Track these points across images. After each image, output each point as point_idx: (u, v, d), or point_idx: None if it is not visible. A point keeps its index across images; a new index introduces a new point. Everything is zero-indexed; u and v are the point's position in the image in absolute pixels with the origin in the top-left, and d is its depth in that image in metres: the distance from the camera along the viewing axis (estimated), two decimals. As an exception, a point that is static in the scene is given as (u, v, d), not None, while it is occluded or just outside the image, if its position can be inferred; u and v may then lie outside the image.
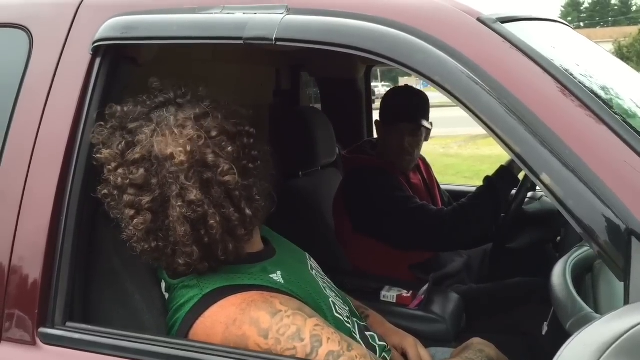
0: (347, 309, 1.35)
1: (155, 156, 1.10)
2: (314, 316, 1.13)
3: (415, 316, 1.88)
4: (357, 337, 1.26)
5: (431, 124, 2.25)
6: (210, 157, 1.10)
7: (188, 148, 1.09)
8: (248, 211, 1.13)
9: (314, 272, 1.34)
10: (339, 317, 1.24)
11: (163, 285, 1.26)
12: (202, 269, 1.15)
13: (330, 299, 1.27)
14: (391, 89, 2.44)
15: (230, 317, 1.10)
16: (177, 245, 1.11)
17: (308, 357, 1.07)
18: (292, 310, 1.11)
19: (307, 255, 1.41)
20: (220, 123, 1.13)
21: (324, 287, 1.30)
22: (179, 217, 1.09)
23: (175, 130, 1.10)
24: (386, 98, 2.31)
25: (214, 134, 1.12)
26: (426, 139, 2.29)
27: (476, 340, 1.41)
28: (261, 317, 1.09)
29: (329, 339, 1.09)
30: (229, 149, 1.12)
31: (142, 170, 1.09)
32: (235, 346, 1.09)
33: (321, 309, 1.22)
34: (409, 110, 2.19)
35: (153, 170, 1.10)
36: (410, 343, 1.44)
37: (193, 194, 1.08)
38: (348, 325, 1.25)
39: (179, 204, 1.08)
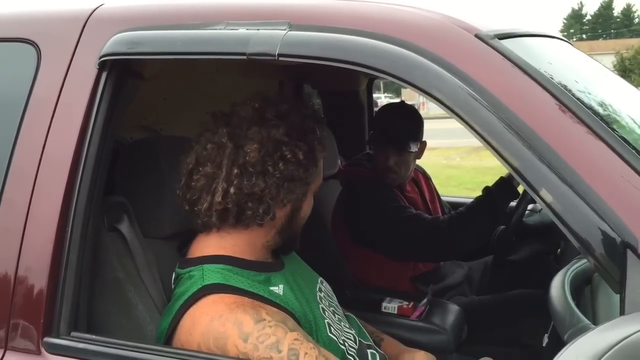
0: (353, 331, 1.39)
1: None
2: (295, 330, 1.16)
3: (416, 327, 1.89)
4: (354, 354, 1.30)
5: (424, 142, 2.25)
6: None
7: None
8: (232, 189, 1.22)
9: (322, 294, 1.39)
10: (333, 338, 1.28)
11: (173, 277, 1.31)
12: (185, 210, 1.29)
13: (326, 320, 1.30)
14: (381, 108, 2.43)
15: (218, 312, 1.15)
16: (180, 173, 1.29)
17: None
18: (275, 321, 1.14)
19: (320, 279, 1.46)
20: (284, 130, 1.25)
21: (323, 309, 1.34)
22: (193, 150, 1.28)
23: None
24: (375, 118, 2.31)
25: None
26: (419, 157, 2.29)
27: None
28: (245, 320, 1.13)
29: (306, 353, 1.12)
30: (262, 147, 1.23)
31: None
32: (214, 341, 1.12)
33: (313, 327, 1.26)
34: (394, 135, 2.18)
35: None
36: (422, 358, 1.46)
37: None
38: (342, 347, 1.28)
39: (203, 139, 1.27)
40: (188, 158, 1.27)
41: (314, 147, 1.29)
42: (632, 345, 0.68)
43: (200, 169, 1.24)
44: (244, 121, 1.25)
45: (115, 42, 1.22)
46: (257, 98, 1.29)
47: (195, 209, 1.26)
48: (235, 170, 1.22)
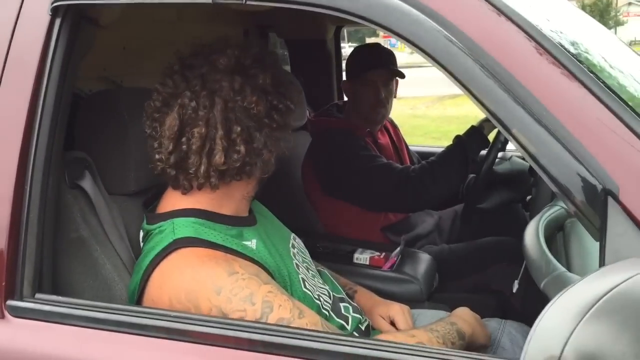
0: (328, 287, 1.38)
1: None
2: (269, 283, 1.14)
3: (389, 277, 1.89)
4: (329, 309, 1.29)
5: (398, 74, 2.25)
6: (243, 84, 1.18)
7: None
8: (239, 147, 1.16)
9: (295, 250, 1.37)
10: (307, 293, 1.26)
11: (141, 234, 1.27)
12: (170, 175, 1.21)
13: (300, 275, 1.29)
14: (357, 47, 2.43)
15: (189, 265, 1.13)
16: (162, 138, 1.18)
17: (258, 322, 1.08)
18: (248, 274, 1.12)
19: (293, 235, 1.44)
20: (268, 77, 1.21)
21: (297, 265, 1.32)
22: (174, 112, 1.16)
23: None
24: (352, 54, 2.31)
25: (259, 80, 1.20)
26: (395, 94, 2.30)
27: (457, 312, 1.43)
28: (218, 273, 1.11)
29: (280, 305, 1.10)
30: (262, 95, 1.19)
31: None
32: (185, 295, 1.10)
33: (288, 282, 1.24)
34: (378, 58, 2.21)
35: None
36: (396, 310, 1.47)
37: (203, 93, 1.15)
38: (317, 301, 1.27)
39: (185, 99, 1.16)
40: (167, 123, 1.17)
41: (291, 90, 1.27)
42: (619, 295, 0.67)
43: (195, 130, 1.15)
44: (224, 73, 1.18)
45: (68, -15, 1.13)
46: (223, 43, 1.22)
47: (190, 172, 1.18)
48: (238, 128, 1.16)
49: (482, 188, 2.27)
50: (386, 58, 2.23)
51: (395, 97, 2.30)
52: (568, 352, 0.70)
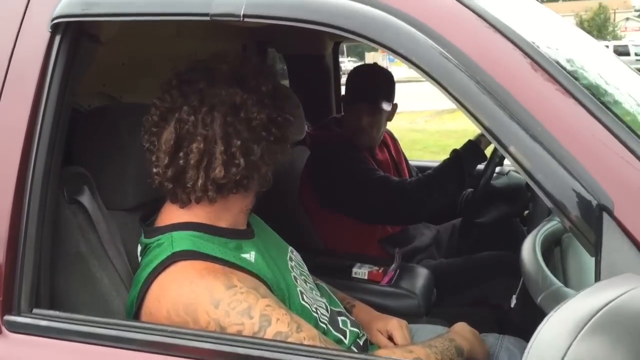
0: (325, 300, 1.38)
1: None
2: (267, 296, 1.14)
3: (387, 292, 1.89)
4: (326, 322, 1.29)
5: (396, 104, 2.25)
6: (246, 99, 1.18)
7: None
8: (238, 161, 1.17)
9: (292, 263, 1.37)
10: (305, 305, 1.27)
11: (139, 249, 1.27)
12: (168, 189, 1.21)
13: (299, 288, 1.29)
14: (355, 68, 2.43)
15: (188, 278, 1.12)
16: (159, 152, 1.19)
17: (256, 336, 1.08)
18: (247, 287, 1.13)
19: (290, 248, 1.44)
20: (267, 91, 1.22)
21: (295, 277, 1.32)
22: (170, 126, 1.17)
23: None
24: (349, 77, 2.31)
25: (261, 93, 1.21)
26: (390, 119, 2.29)
27: (456, 328, 1.42)
28: (216, 286, 1.11)
29: (278, 319, 1.10)
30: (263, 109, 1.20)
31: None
32: (184, 308, 1.10)
33: (286, 295, 1.24)
34: (368, 92, 2.19)
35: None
36: (394, 325, 1.46)
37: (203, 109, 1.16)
38: (315, 314, 1.27)
39: (183, 114, 1.16)
40: (164, 137, 1.18)
41: (289, 104, 1.28)
42: (615, 310, 0.67)
43: (194, 146, 1.15)
44: (223, 86, 1.18)
45: (68, 2, 1.14)
46: (221, 58, 1.23)
47: (188, 186, 1.18)
48: (238, 142, 1.16)
49: (480, 202, 2.28)
50: (376, 92, 2.18)
51: (390, 120, 2.30)
52: (565, 367, 0.70)
